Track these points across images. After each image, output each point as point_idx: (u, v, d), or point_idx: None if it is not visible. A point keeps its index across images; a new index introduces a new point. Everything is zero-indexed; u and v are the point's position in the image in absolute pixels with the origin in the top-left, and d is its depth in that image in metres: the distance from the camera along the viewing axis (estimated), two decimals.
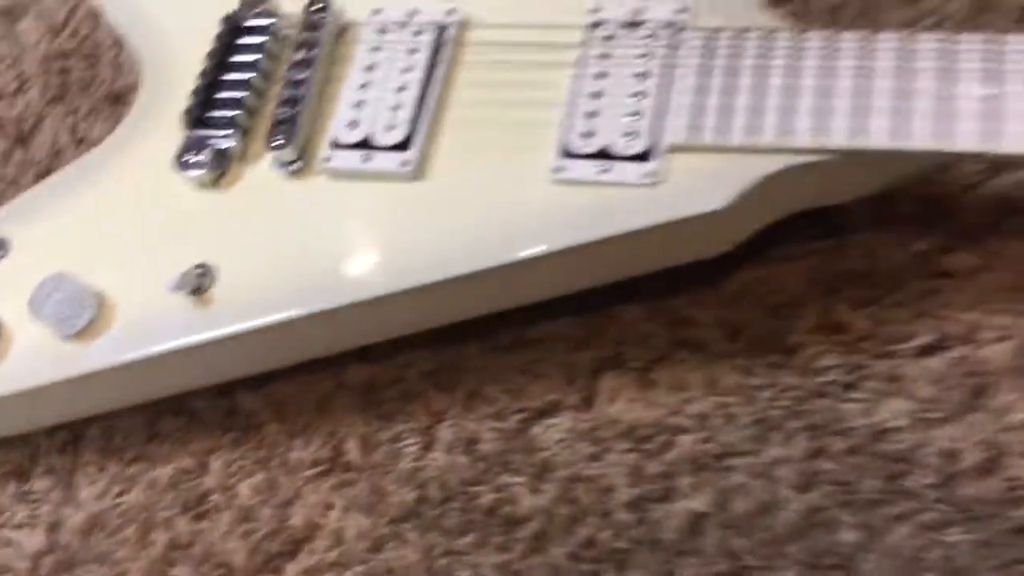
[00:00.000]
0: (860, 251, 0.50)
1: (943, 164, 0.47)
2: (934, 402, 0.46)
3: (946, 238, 0.49)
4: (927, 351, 0.47)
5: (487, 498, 0.48)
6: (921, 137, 0.41)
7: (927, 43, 0.42)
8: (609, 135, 0.45)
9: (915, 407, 0.46)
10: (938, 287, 0.48)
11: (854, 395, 0.47)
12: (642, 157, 0.44)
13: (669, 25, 0.47)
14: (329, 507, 0.50)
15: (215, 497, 0.51)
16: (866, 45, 0.43)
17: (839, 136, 0.42)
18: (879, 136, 0.41)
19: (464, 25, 0.51)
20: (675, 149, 0.44)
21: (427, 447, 0.50)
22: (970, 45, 0.42)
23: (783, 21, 0.47)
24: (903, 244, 0.50)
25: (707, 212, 0.42)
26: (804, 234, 0.51)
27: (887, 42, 0.43)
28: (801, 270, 0.50)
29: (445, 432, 0.50)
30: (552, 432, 0.49)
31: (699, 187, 0.43)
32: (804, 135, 0.42)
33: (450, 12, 0.51)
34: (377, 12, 0.52)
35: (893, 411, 0.46)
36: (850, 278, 0.50)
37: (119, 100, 0.66)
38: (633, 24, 0.47)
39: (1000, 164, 0.50)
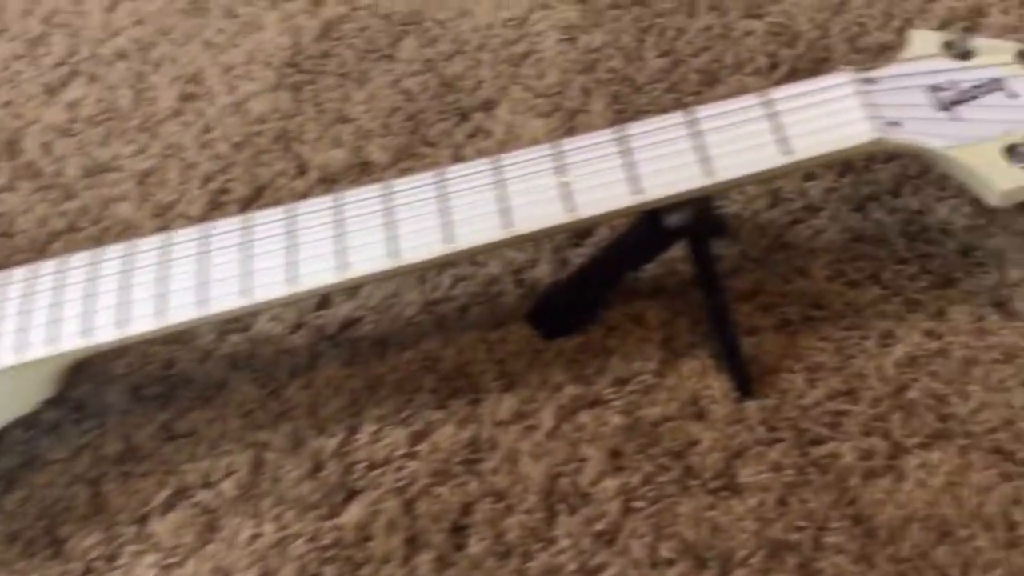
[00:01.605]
0: (114, 435, 0.57)
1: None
2: (175, 548, 0.53)
3: (181, 402, 0.58)
4: (170, 505, 0.55)
5: None
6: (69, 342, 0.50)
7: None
8: None
9: (161, 557, 0.53)
10: (174, 448, 0.56)
11: (116, 563, 0.53)
12: None
13: None
14: None
15: None
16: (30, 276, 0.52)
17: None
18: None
19: None
20: None
21: None
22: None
23: None
24: (150, 418, 0.58)
25: None
26: (75, 430, 0.57)
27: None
28: (67, 467, 0.57)
29: None
30: None
31: None
32: None
33: None
34: None
35: (145, 566, 0.53)
36: (111, 460, 0.57)
37: None
38: None
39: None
